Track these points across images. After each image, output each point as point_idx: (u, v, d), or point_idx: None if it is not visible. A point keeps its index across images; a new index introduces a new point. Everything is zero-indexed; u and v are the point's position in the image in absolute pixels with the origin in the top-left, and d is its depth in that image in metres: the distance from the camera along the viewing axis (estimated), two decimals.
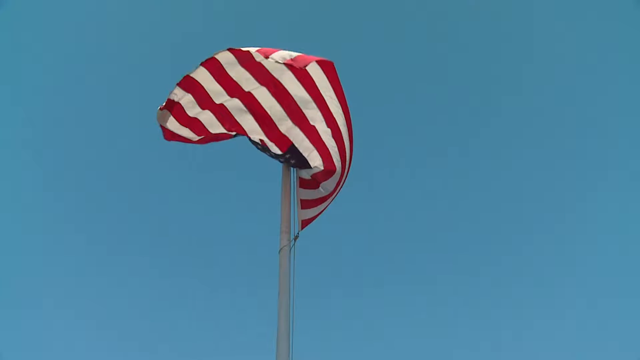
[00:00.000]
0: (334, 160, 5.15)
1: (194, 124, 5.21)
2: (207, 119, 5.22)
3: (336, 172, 5.20)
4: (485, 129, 17.23)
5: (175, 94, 5.03)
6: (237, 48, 4.89)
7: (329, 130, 5.02)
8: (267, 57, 4.64)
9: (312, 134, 5.11)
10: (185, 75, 4.98)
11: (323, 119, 5.01)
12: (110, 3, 16.28)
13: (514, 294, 14.67)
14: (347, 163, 5.26)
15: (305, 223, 5.49)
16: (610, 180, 15.23)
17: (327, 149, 5.13)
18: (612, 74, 15.50)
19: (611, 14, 15.04)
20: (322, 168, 5.22)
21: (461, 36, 17.66)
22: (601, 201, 15.27)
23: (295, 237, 5.22)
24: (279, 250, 5.19)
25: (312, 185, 5.40)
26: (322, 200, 5.48)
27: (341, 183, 5.41)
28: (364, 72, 18.25)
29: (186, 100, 5.09)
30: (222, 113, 5.19)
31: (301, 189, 5.39)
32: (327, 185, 5.37)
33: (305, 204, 5.44)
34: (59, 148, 15.61)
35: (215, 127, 5.27)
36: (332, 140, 5.07)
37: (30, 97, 15.25)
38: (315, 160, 5.22)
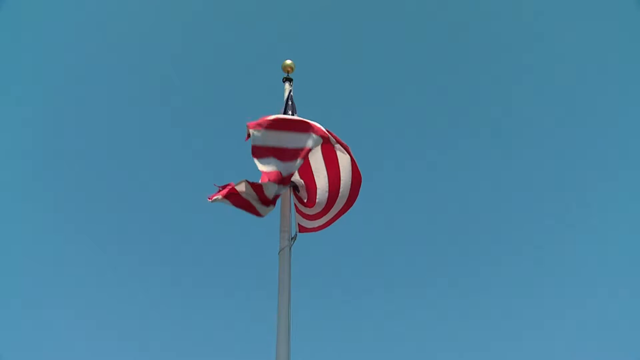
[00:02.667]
0: (317, 196, 5.31)
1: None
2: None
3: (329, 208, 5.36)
4: (485, 130, 17.25)
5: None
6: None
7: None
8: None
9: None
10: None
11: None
12: (110, 3, 16.29)
13: (514, 294, 14.69)
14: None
15: (302, 229, 5.57)
16: (611, 180, 15.24)
17: (316, 186, 5.32)
18: (612, 74, 15.51)
19: (611, 14, 15.05)
20: (305, 197, 5.40)
21: (461, 37, 17.68)
22: (601, 201, 15.30)
23: (293, 238, 5.24)
24: (279, 252, 5.20)
25: (304, 203, 5.51)
26: (318, 216, 5.54)
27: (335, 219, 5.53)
28: (365, 73, 18.28)
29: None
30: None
31: (294, 197, 5.48)
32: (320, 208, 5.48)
33: (301, 213, 5.57)
34: (60, 148, 15.65)
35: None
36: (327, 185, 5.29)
37: (30, 97, 15.26)
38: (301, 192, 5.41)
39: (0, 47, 14.25)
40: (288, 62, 6.55)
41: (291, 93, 6.41)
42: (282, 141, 4.81)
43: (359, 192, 5.37)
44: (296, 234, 5.33)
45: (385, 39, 18.17)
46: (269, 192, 4.92)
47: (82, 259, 14.56)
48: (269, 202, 4.98)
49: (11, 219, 13.97)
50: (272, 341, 4.85)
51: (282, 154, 4.82)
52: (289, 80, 6.54)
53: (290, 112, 6.12)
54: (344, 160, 5.24)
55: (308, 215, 5.53)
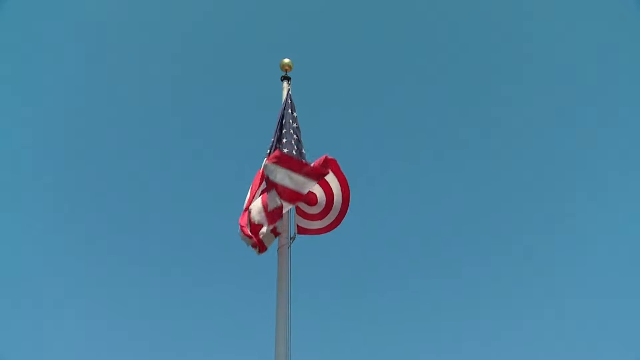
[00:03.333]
0: (317, 195, 5.58)
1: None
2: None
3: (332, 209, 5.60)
4: (484, 129, 17.26)
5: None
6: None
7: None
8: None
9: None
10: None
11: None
12: (110, 3, 16.31)
13: (513, 294, 14.69)
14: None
15: (301, 230, 5.63)
16: (610, 180, 15.24)
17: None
18: (612, 74, 15.51)
19: (611, 14, 15.05)
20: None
21: (461, 36, 17.69)
22: (601, 201, 15.29)
23: (292, 238, 5.28)
24: (278, 249, 5.22)
25: (309, 202, 5.61)
26: (318, 217, 5.67)
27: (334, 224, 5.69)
28: (364, 72, 18.29)
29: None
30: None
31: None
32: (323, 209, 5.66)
33: (301, 213, 5.62)
34: (59, 148, 15.65)
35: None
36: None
37: (30, 96, 15.27)
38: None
39: (0, 47, 14.28)
40: (286, 60, 6.54)
41: (289, 92, 6.42)
42: (285, 180, 5.12)
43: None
44: (295, 235, 5.37)
45: (384, 39, 18.21)
46: (266, 240, 5.17)
47: (82, 259, 14.57)
48: (263, 248, 5.17)
49: (11, 219, 13.99)
50: (272, 339, 4.89)
51: (282, 192, 5.09)
52: (287, 79, 6.53)
53: (290, 111, 6.12)
54: (330, 178, 5.53)
55: (309, 214, 5.60)
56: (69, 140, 15.80)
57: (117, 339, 13.19)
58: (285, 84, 6.48)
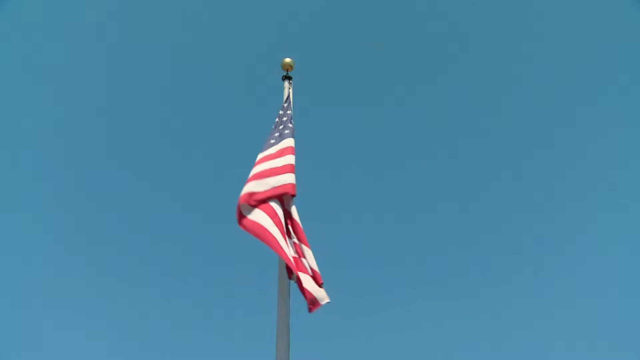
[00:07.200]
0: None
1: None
2: None
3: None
4: (483, 129, 17.28)
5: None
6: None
7: None
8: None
9: None
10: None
11: None
12: (110, 3, 16.33)
13: (514, 294, 14.70)
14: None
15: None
16: (610, 180, 15.26)
17: None
18: (612, 74, 15.52)
19: (611, 14, 15.07)
20: None
21: (462, 36, 17.72)
22: (600, 202, 15.30)
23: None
24: None
25: None
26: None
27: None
28: (364, 72, 18.30)
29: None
30: None
31: None
32: None
33: None
34: (59, 148, 15.65)
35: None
36: None
37: (31, 96, 15.29)
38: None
39: (0, 47, 14.29)
40: (287, 60, 6.55)
41: (290, 91, 6.42)
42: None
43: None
44: None
45: (385, 39, 18.22)
46: None
47: (82, 259, 14.58)
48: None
49: (11, 219, 14.00)
50: (272, 339, 4.90)
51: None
52: (289, 78, 6.54)
53: (289, 111, 6.13)
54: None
55: None
56: (70, 140, 15.83)
57: (117, 339, 13.21)
58: (286, 83, 6.49)
